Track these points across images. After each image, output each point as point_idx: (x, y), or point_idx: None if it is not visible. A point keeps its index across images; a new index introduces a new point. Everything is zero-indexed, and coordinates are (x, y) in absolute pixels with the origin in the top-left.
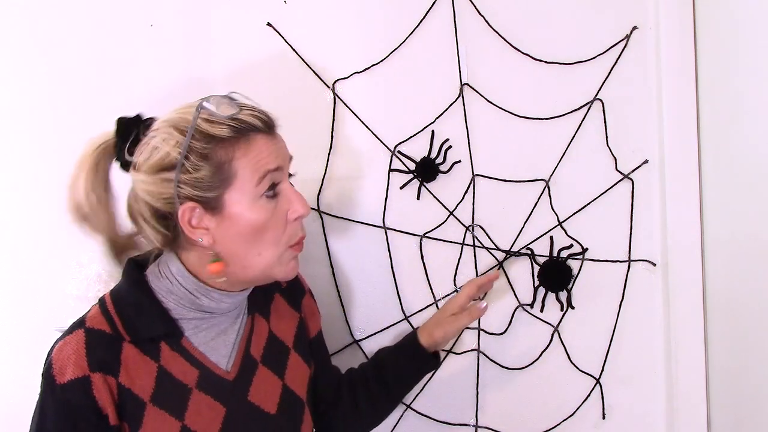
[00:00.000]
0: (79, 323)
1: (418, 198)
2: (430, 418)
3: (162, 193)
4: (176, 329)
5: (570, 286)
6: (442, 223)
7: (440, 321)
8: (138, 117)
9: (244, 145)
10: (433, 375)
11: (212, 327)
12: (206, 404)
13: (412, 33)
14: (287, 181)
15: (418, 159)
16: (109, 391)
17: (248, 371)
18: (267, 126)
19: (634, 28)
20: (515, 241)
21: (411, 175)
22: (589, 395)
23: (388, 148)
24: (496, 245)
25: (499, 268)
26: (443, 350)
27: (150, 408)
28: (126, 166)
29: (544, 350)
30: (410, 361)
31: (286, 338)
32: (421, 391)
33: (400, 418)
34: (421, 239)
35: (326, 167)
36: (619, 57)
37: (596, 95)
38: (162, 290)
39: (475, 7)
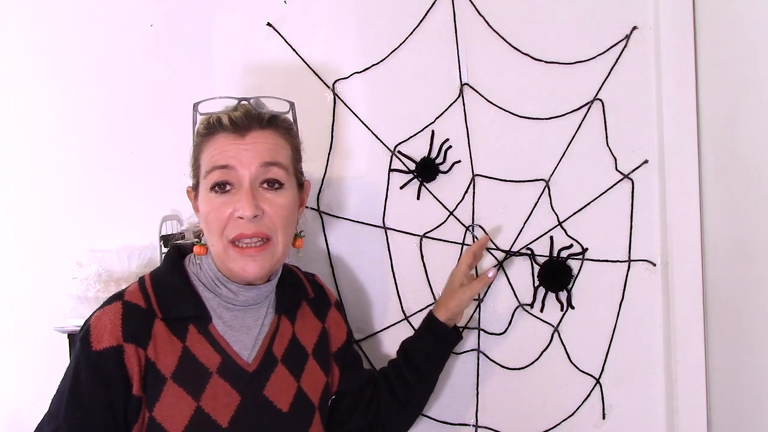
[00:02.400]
0: (118, 296)
1: (418, 198)
2: (430, 418)
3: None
4: (205, 313)
5: (570, 286)
6: (442, 223)
7: (453, 292)
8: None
9: (209, 141)
10: None
11: (237, 318)
12: (223, 390)
13: (412, 33)
14: (248, 182)
15: (418, 159)
16: (138, 362)
17: (268, 367)
18: (237, 127)
19: (634, 28)
20: (515, 241)
21: (411, 175)
22: (589, 395)
23: (388, 148)
24: (496, 245)
25: (498, 268)
26: None
27: (170, 384)
28: None
29: (544, 350)
30: (434, 340)
31: (306, 344)
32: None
33: None
34: (421, 239)
35: (326, 167)
36: (619, 57)
37: (596, 95)
38: (194, 275)
39: (475, 7)
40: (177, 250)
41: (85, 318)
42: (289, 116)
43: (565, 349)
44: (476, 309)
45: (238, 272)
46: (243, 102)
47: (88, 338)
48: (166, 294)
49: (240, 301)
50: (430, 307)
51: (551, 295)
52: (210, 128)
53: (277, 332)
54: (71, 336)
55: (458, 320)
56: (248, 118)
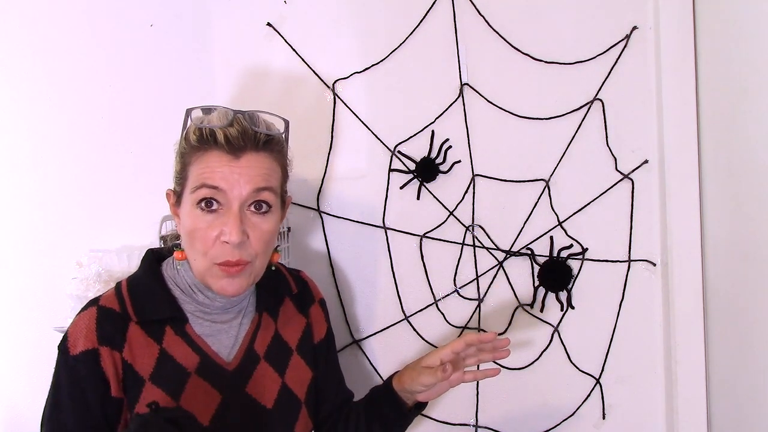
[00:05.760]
0: (94, 301)
1: (418, 198)
2: (430, 418)
3: (173, 176)
4: (181, 315)
5: (570, 286)
6: (442, 223)
7: (413, 368)
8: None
9: (201, 154)
10: None
11: (215, 319)
12: (203, 390)
13: (412, 33)
14: (237, 206)
15: (418, 159)
16: (114, 365)
17: (249, 364)
18: (231, 147)
19: (634, 28)
20: (515, 241)
21: (411, 175)
22: (589, 395)
23: (388, 148)
24: (496, 245)
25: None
26: None
27: (148, 385)
28: None
29: (544, 350)
30: (388, 405)
31: (290, 340)
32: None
33: None
34: (421, 239)
35: (326, 167)
36: (619, 57)
37: (596, 95)
38: (171, 279)
39: (475, 7)
40: (153, 254)
41: None
42: (283, 134)
43: (565, 349)
44: (476, 309)
45: (217, 290)
46: (238, 115)
47: (66, 344)
48: (141, 297)
49: (216, 307)
50: (430, 308)
51: (551, 295)
52: (203, 142)
53: (258, 330)
54: None
55: (410, 401)
56: (244, 139)
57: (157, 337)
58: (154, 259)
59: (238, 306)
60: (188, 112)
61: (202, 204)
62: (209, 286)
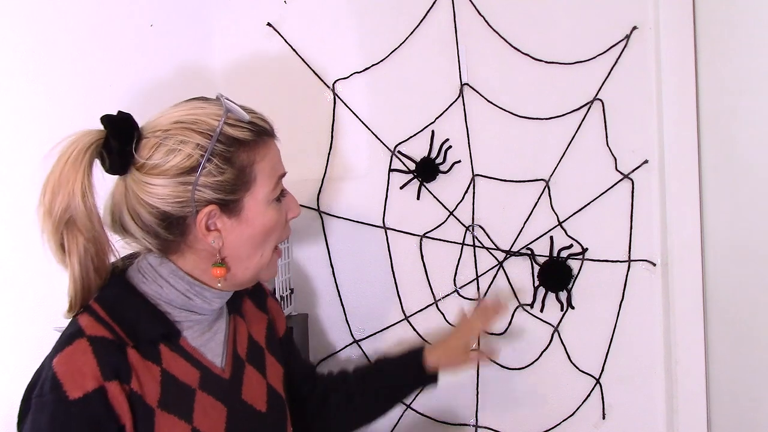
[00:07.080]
0: (76, 334)
1: (418, 198)
2: (430, 418)
3: (177, 196)
4: (174, 329)
5: (570, 286)
6: (442, 223)
7: (455, 353)
8: (130, 116)
9: (262, 149)
10: None
11: (202, 327)
12: (210, 404)
13: (412, 33)
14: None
15: (418, 159)
16: (126, 399)
17: (239, 370)
18: (273, 130)
19: (634, 28)
20: (515, 241)
21: (411, 175)
22: (589, 395)
23: (388, 148)
24: (496, 245)
25: (499, 269)
26: None
27: (159, 414)
28: (124, 168)
29: (544, 350)
30: (411, 376)
31: (259, 339)
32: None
33: (400, 418)
34: (421, 239)
35: (326, 167)
36: (619, 57)
37: (596, 95)
38: (150, 293)
39: (475, 7)
40: (119, 271)
41: None
42: None
43: (565, 349)
44: None
45: (272, 275)
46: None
47: (59, 388)
48: (127, 318)
49: (211, 310)
50: (430, 308)
51: (551, 295)
52: (258, 134)
53: (236, 333)
54: None
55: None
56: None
57: (155, 359)
58: (122, 276)
59: (220, 308)
60: (227, 110)
61: (278, 196)
62: (261, 277)
